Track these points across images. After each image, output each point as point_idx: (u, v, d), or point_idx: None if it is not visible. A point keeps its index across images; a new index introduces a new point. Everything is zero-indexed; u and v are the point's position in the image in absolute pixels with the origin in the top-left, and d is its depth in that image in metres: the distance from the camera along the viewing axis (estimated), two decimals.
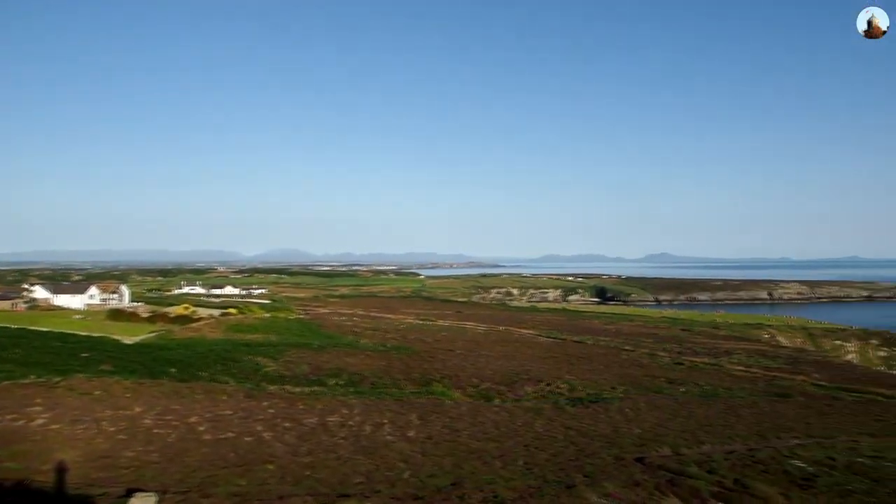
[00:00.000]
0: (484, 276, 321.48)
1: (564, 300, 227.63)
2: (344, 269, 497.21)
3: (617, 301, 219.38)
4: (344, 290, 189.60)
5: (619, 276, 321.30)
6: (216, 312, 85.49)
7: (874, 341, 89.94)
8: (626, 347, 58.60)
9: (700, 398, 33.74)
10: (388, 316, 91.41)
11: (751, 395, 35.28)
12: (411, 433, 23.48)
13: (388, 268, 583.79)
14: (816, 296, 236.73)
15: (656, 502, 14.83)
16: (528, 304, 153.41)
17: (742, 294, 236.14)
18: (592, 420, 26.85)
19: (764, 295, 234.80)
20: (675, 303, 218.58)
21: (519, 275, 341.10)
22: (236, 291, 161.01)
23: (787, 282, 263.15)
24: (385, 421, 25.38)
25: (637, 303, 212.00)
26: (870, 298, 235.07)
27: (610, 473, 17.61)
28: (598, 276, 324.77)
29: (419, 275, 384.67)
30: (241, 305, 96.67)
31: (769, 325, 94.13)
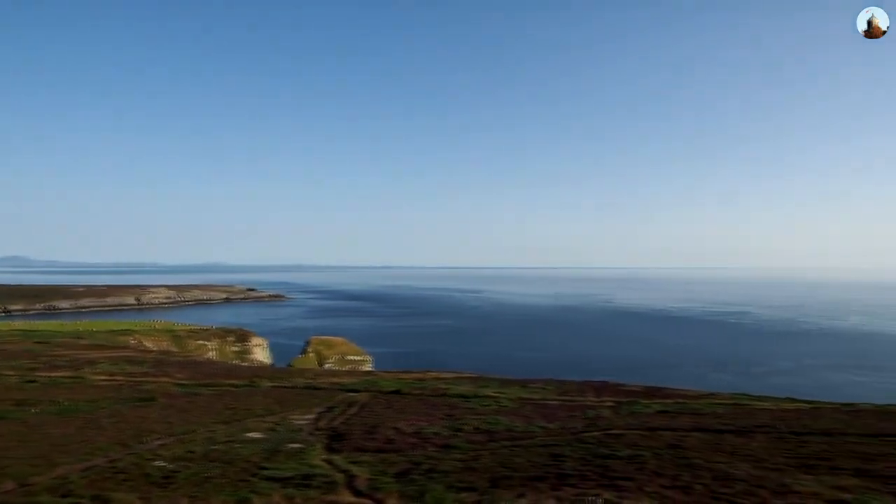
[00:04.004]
0: None
1: None
2: None
3: None
4: None
5: None
6: None
7: (231, 338, 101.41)
8: None
9: (57, 416, 30.60)
10: None
11: (115, 404, 34.18)
12: None
13: None
14: (184, 299, 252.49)
15: None
16: None
17: (110, 300, 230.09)
18: None
19: (132, 300, 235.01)
20: (31, 312, 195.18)
21: None
22: None
23: (156, 286, 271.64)
24: None
25: None
26: (228, 300, 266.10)
27: None
28: None
29: None
30: None
31: (136, 331, 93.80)
